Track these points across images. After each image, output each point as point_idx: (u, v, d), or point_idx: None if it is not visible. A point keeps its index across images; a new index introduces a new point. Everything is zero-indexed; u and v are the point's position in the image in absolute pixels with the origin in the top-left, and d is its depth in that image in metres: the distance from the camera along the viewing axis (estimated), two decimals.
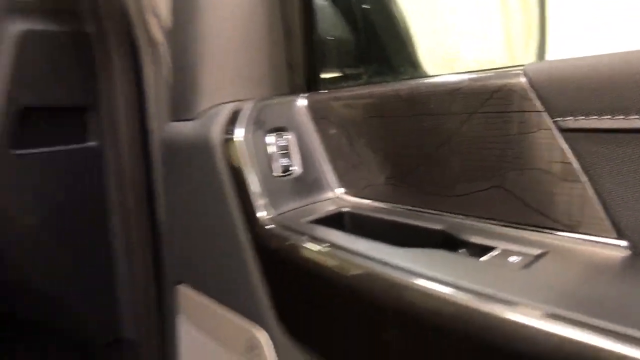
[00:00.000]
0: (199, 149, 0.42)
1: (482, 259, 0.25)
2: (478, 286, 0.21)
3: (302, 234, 0.32)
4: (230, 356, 0.40)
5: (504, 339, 0.19)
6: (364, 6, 0.55)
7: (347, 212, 0.37)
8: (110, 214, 0.68)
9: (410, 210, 0.34)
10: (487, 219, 0.29)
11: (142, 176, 0.67)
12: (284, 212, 0.36)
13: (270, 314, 0.35)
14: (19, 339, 1.14)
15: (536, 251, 0.24)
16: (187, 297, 0.46)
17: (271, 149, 0.39)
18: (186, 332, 0.48)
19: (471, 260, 0.26)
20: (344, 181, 0.40)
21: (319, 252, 0.29)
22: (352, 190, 0.39)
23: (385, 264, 0.25)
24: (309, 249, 0.30)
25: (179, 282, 0.48)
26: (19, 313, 1.01)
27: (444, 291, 0.21)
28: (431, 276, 0.23)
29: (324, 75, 0.49)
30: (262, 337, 0.36)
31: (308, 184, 0.39)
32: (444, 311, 0.21)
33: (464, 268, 0.24)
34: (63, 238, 0.64)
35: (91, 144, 0.67)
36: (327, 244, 0.29)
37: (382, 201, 0.36)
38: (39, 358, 1.08)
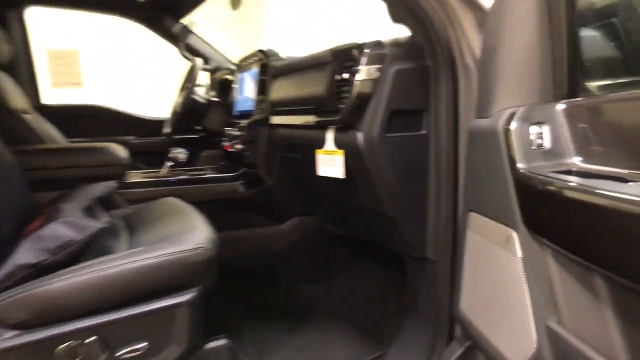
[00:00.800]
0: (490, 135, 0.75)
1: None
2: None
3: (546, 176, 0.61)
4: (494, 247, 0.73)
5: None
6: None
7: (578, 170, 0.63)
8: (429, 175, 1.09)
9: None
10: None
11: (452, 154, 1.04)
12: (535, 166, 0.65)
13: (519, 221, 0.66)
14: (360, 253, 1.74)
15: None
16: (474, 219, 0.81)
17: (532, 135, 0.68)
18: (470, 242, 0.83)
19: None
20: (582, 155, 0.66)
21: (555, 180, 0.58)
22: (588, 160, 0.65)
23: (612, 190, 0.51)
24: (548, 179, 0.60)
25: (470, 211, 0.83)
26: (360, 235, 1.59)
27: None
28: None
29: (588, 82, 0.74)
30: (514, 234, 0.67)
31: (554, 155, 0.67)
32: None
33: None
34: (406, 185, 1.08)
35: (423, 132, 1.09)
36: (561, 178, 0.58)
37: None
38: (371, 267, 1.65)
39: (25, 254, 0.92)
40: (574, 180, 0.56)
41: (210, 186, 1.87)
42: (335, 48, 1.18)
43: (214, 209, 1.31)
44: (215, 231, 1.09)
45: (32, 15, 2.40)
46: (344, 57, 1.12)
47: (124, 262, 0.93)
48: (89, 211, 1.10)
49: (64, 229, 0.97)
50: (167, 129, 2.24)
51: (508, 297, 0.70)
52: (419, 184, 1.09)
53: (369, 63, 1.03)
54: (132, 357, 0.93)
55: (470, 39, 0.93)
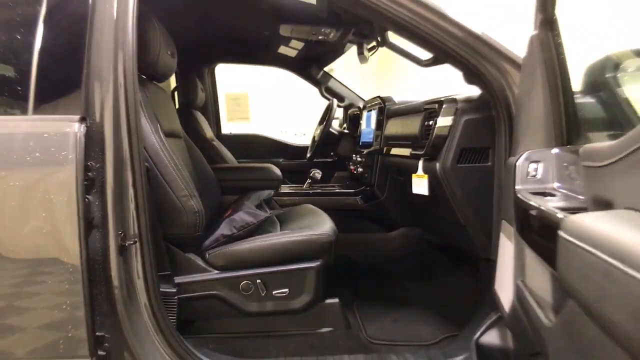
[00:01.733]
0: (510, 168, 1.14)
1: None
2: None
3: (523, 196, 1.00)
4: (507, 242, 1.11)
5: None
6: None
7: (552, 191, 1.00)
8: (494, 195, 1.47)
9: None
10: None
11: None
12: (526, 188, 1.04)
13: (514, 223, 1.05)
14: (453, 258, 2.13)
15: None
16: (503, 225, 1.20)
17: (530, 169, 1.06)
18: (500, 241, 1.21)
19: None
20: (560, 182, 1.02)
21: (524, 199, 0.98)
22: (563, 185, 1.01)
23: None
24: (523, 198, 0.99)
25: (503, 219, 1.21)
26: (445, 240, 1.97)
27: None
28: None
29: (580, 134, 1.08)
30: (512, 231, 1.06)
31: (542, 181, 1.04)
32: None
33: None
34: (474, 201, 1.47)
35: (489, 164, 1.47)
36: (526, 197, 0.97)
37: None
38: (460, 269, 2.02)
39: (224, 229, 1.56)
40: (532, 199, 0.95)
41: (337, 199, 2.44)
42: (426, 101, 1.65)
43: (339, 216, 1.82)
44: (339, 232, 1.62)
45: (217, 68, 3.29)
46: (430, 109, 1.58)
47: (279, 237, 1.52)
48: (260, 207, 1.73)
49: (246, 215, 1.59)
50: (308, 154, 2.88)
51: (509, 272, 1.08)
52: (485, 201, 1.45)
53: (444, 115, 1.48)
54: (280, 297, 1.50)
55: None
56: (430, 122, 1.55)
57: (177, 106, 2.82)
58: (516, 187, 1.06)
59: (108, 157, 1.08)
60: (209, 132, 2.85)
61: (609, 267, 0.49)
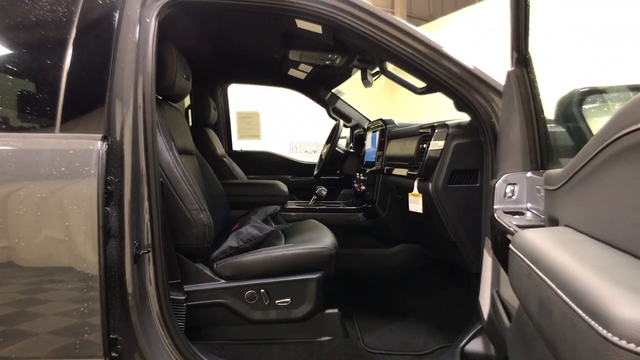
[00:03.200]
0: (489, 190, 1.24)
1: None
2: None
3: (494, 215, 1.11)
4: (488, 256, 1.21)
5: None
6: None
7: (525, 209, 1.11)
8: (482, 215, 1.57)
9: None
10: None
11: None
12: (503, 207, 1.14)
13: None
14: (450, 273, 2.22)
15: None
16: (486, 241, 1.30)
17: (507, 190, 1.17)
18: (484, 257, 1.31)
19: None
20: (530, 202, 1.12)
21: (496, 220, 1.08)
22: (533, 205, 1.12)
23: None
24: (495, 218, 1.10)
25: (486, 236, 1.32)
26: (439, 256, 2.07)
27: None
28: None
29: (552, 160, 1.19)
30: (490, 247, 1.16)
31: (517, 201, 1.14)
32: None
33: None
34: (464, 219, 1.58)
35: (477, 184, 1.58)
36: (500, 217, 1.08)
37: None
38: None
39: (232, 241, 1.68)
40: (503, 218, 1.05)
41: (341, 215, 2.55)
42: (421, 125, 1.77)
43: (342, 231, 1.92)
44: (341, 246, 1.73)
45: (230, 88, 3.45)
46: (424, 133, 1.70)
47: (283, 250, 1.63)
48: (266, 221, 1.85)
49: (252, 229, 1.71)
50: (315, 171, 3.00)
51: (488, 284, 1.18)
52: (474, 219, 1.55)
53: (436, 139, 1.59)
54: (282, 306, 1.60)
55: None
56: (424, 145, 1.67)
57: (190, 123, 2.97)
58: (494, 206, 1.16)
59: (126, 173, 1.15)
60: (220, 149, 3.00)
61: (530, 269, 0.60)
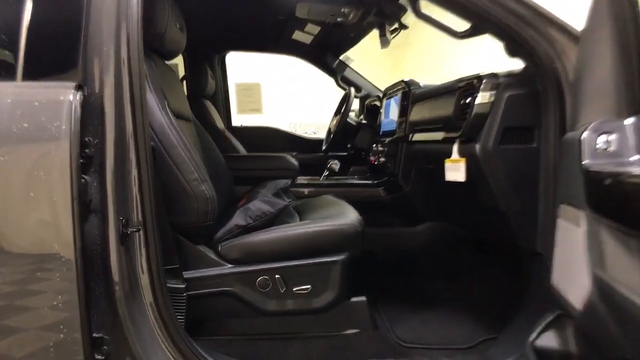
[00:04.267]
0: (571, 145, 0.97)
1: None
2: None
3: (600, 170, 0.84)
4: (571, 226, 0.95)
5: None
6: None
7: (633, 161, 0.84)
8: (540, 180, 1.30)
9: None
10: None
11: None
12: (598, 163, 0.88)
13: (585, 204, 0.89)
14: (484, 253, 1.96)
15: None
16: (561, 209, 1.04)
17: (599, 142, 0.90)
18: (558, 227, 1.05)
19: None
20: None
21: (605, 172, 0.82)
22: None
23: None
24: (602, 171, 0.83)
25: (560, 203, 1.05)
26: (479, 233, 1.81)
27: None
28: None
29: None
30: (582, 214, 0.90)
31: (619, 155, 0.88)
32: None
33: None
34: (517, 186, 1.31)
35: (534, 145, 1.31)
36: (611, 169, 0.81)
37: None
38: (492, 265, 1.85)
39: (238, 219, 1.42)
40: (619, 169, 0.79)
41: (358, 190, 2.28)
42: (460, 79, 1.49)
43: (360, 209, 1.68)
44: None
45: (228, 57, 3.16)
46: (467, 86, 1.42)
47: (300, 227, 1.37)
48: (277, 196, 1.58)
49: (262, 204, 1.44)
50: (324, 146, 2.73)
51: (577, 263, 0.92)
52: (529, 186, 1.29)
53: (485, 90, 1.32)
54: (301, 294, 1.35)
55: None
56: (467, 100, 1.39)
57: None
58: (584, 162, 0.90)
59: (108, 133, 0.96)
60: (220, 123, 2.72)
61: None
